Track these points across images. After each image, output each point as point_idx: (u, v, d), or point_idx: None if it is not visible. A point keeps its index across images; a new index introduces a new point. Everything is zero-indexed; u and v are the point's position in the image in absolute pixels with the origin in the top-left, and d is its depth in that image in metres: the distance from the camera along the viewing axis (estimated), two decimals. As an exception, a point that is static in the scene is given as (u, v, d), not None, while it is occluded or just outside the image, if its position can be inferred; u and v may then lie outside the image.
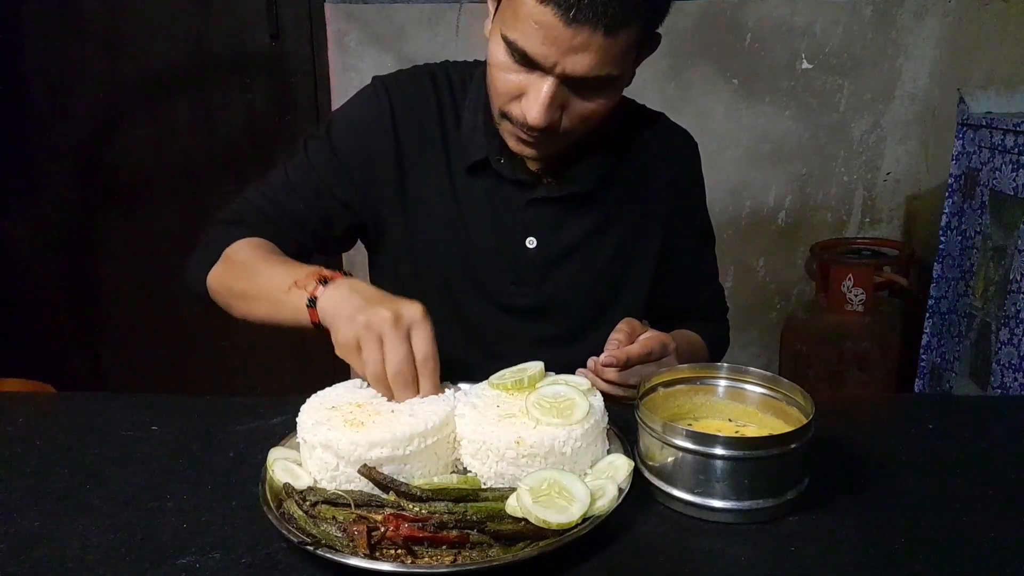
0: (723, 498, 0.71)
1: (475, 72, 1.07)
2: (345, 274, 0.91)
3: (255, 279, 0.97)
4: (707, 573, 0.66)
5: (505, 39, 0.88)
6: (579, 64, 0.85)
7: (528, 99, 0.89)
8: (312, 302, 0.87)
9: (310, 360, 2.45)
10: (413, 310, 0.80)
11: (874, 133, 2.29)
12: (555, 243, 1.06)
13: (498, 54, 0.90)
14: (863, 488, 0.79)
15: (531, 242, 1.05)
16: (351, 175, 1.05)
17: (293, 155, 1.08)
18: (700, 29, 2.19)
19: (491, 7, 0.94)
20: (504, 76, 0.90)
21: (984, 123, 1.84)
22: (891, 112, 2.27)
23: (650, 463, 0.75)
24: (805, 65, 2.23)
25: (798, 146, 2.29)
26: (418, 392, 0.79)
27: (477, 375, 0.86)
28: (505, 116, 0.94)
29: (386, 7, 2.20)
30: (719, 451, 0.70)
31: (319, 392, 0.81)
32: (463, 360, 1.06)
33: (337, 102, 2.25)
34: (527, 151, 0.97)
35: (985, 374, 1.83)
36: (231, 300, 1.02)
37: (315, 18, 2.26)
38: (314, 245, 1.09)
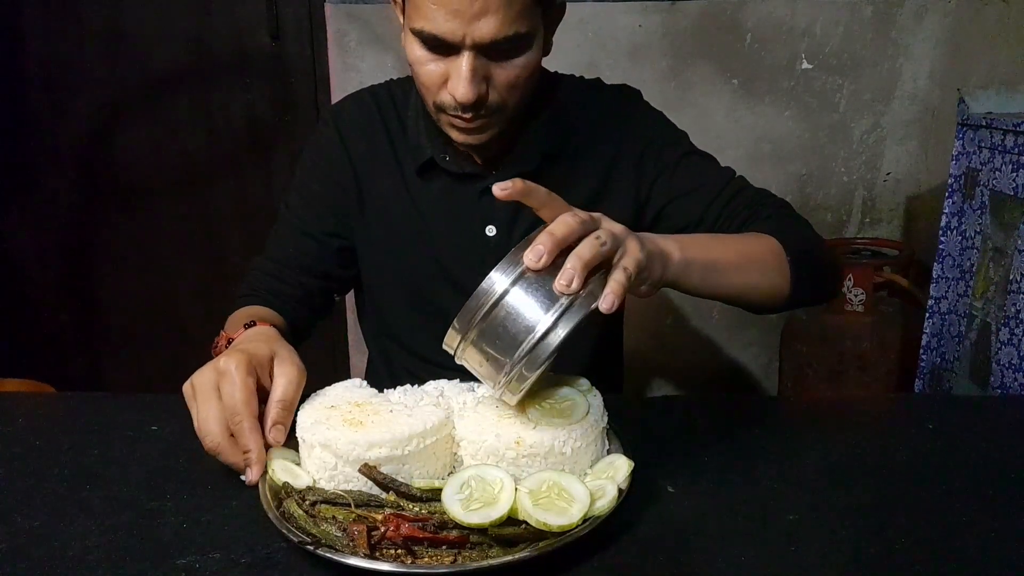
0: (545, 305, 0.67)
1: (414, 83, 1.10)
2: (248, 325, 0.94)
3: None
4: (706, 573, 0.66)
5: (414, 31, 0.91)
6: (485, 29, 0.88)
7: (452, 80, 0.92)
8: None
9: (309, 360, 2.45)
10: (219, 364, 0.79)
11: (874, 133, 2.28)
12: (515, 227, 1.08)
13: (414, 51, 0.94)
14: (863, 488, 0.79)
15: (491, 230, 1.08)
16: (325, 204, 1.12)
17: (278, 216, 1.16)
18: (700, 29, 2.19)
19: (399, 14, 0.98)
20: (426, 69, 0.94)
21: (984, 123, 1.83)
22: (891, 112, 2.27)
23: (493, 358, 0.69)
24: (805, 65, 2.23)
25: (798, 146, 2.29)
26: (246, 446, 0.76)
27: (458, 374, 0.86)
28: (440, 109, 0.97)
29: (386, 7, 2.19)
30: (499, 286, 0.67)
31: (318, 391, 0.81)
32: (445, 360, 1.08)
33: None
34: (471, 139, 0.99)
35: (985, 374, 1.83)
36: None
37: (315, 18, 2.26)
38: (319, 286, 1.13)
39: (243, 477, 0.76)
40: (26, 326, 2.55)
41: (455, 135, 1.00)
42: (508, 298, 0.68)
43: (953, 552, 0.69)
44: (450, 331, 0.71)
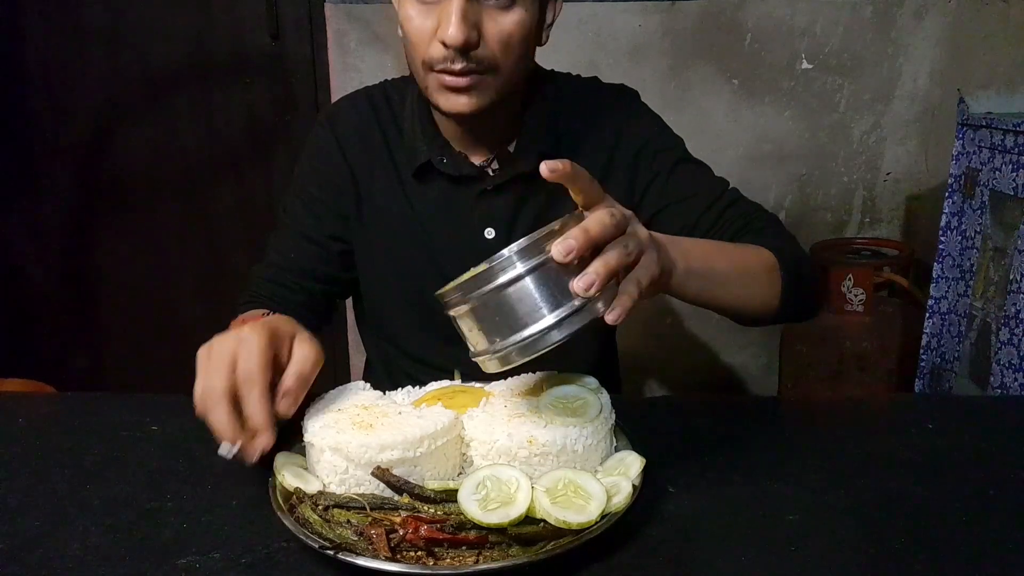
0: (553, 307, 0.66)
1: (410, 85, 1.10)
2: (266, 313, 0.93)
3: None
4: (706, 573, 0.66)
5: None
6: None
7: (442, 25, 0.91)
8: None
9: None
10: (243, 333, 0.76)
11: (874, 133, 2.28)
12: (513, 229, 1.08)
13: (407, 10, 0.94)
14: (863, 488, 0.79)
15: (489, 233, 1.08)
16: (325, 208, 1.11)
17: (278, 222, 1.15)
18: (700, 29, 2.19)
19: None
20: (417, 25, 0.94)
21: (984, 123, 1.84)
22: (891, 112, 2.27)
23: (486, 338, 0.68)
24: (805, 65, 2.23)
25: (798, 146, 2.29)
26: (240, 415, 0.72)
27: (465, 374, 0.86)
28: (430, 68, 0.95)
29: (386, 7, 2.19)
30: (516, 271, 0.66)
31: (322, 395, 0.81)
32: (445, 363, 1.08)
33: (337, 102, 2.26)
34: (460, 101, 0.96)
35: (985, 374, 1.83)
36: None
37: (315, 18, 2.26)
38: (322, 290, 1.13)
39: (221, 450, 0.71)
40: (26, 326, 2.55)
41: (443, 100, 0.96)
42: (522, 282, 0.66)
43: (953, 552, 0.69)
44: (453, 287, 0.68)
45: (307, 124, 2.35)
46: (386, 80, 1.17)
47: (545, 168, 0.68)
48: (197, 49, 2.32)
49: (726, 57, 2.22)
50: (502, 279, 0.65)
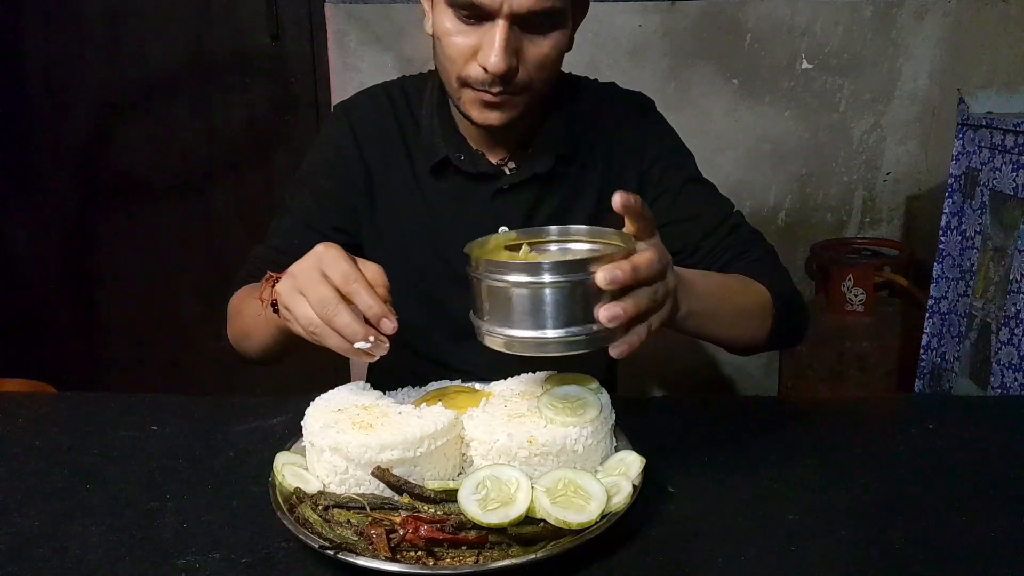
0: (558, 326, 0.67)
1: (428, 81, 1.11)
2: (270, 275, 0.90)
3: (243, 318, 1.00)
4: (706, 573, 0.66)
5: (448, 1, 0.91)
6: None
7: (484, 50, 0.91)
8: (276, 307, 0.85)
9: (310, 360, 2.45)
10: (318, 249, 0.77)
11: (874, 133, 2.28)
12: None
13: (444, 22, 0.93)
14: (863, 488, 0.79)
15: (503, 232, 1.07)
16: (333, 200, 1.10)
17: (282, 206, 1.14)
18: (700, 29, 2.19)
19: None
20: (456, 41, 0.93)
21: (984, 123, 1.83)
22: (891, 112, 2.27)
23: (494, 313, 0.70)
24: (805, 65, 2.23)
25: (798, 146, 2.29)
26: (356, 315, 0.74)
27: (470, 372, 0.86)
28: (465, 84, 0.95)
29: (386, 7, 2.20)
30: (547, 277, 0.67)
31: (323, 395, 0.81)
32: (454, 362, 1.09)
33: (337, 102, 2.26)
34: (492, 116, 0.97)
35: (985, 374, 1.83)
36: (243, 348, 1.04)
37: (315, 18, 2.26)
38: None
39: (360, 344, 0.73)
40: (26, 326, 2.55)
41: (476, 113, 0.98)
42: (554, 289, 0.67)
43: (953, 552, 0.69)
44: (493, 261, 0.69)
45: (307, 124, 2.35)
46: (404, 76, 1.17)
47: (618, 199, 0.70)
48: (197, 49, 2.32)
49: (726, 57, 2.22)
50: (540, 279, 0.67)
